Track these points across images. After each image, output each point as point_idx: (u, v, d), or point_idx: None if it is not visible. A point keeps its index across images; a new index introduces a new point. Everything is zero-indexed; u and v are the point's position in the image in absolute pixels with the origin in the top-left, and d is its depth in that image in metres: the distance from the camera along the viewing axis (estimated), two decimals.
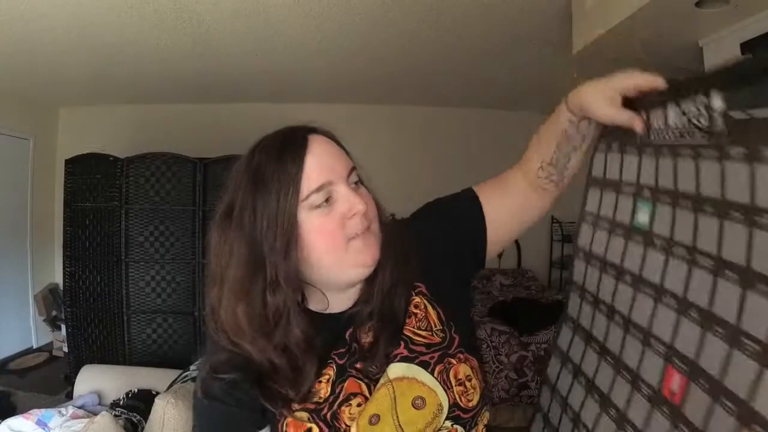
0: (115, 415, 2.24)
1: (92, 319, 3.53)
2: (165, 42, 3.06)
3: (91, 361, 3.09)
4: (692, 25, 2.13)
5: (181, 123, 4.61)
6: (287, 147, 0.69)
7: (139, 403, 2.38)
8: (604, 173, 0.60)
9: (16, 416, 2.13)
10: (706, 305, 0.48)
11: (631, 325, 0.54)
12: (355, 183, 0.72)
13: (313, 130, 0.73)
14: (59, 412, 2.21)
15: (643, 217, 0.55)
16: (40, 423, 2.09)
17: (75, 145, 4.04)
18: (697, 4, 1.89)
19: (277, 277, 0.65)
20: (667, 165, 0.53)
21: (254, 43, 3.09)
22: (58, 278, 4.48)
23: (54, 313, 4.46)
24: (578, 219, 0.63)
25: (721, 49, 2.19)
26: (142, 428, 2.24)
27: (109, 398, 2.54)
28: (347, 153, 0.74)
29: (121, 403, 2.42)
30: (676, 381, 0.49)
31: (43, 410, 2.18)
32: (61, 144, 4.86)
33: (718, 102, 0.46)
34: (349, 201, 0.68)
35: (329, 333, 0.71)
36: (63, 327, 3.97)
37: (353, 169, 0.72)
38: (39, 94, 4.40)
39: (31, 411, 2.16)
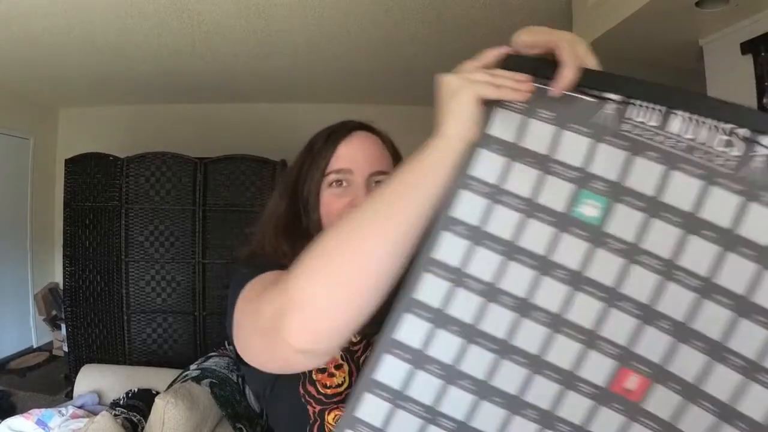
0: (115, 415, 2.24)
1: (92, 319, 3.53)
2: (165, 42, 3.06)
3: (91, 361, 3.09)
4: (692, 25, 2.13)
5: (181, 123, 4.61)
6: (335, 132, 0.81)
7: (139, 403, 2.38)
8: (519, 138, 0.51)
9: (16, 416, 2.13)
10: (681, 318, 0.48)
11: (565, 325, 0.50)
12: (376, 183, 0.78)
13: (365, 127, 0.84)
14: (59, 411, 2.21)
15: (591, 211, 0.50)
16: (40, 423, 2.09)
17: (75, 145, 4.05)
18: (697, 4, 1.89)
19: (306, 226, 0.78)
20: (650, 169, 0.48)
21: (254, 43, 3.10)
22: (58, 278, 4.48)
23: (54, 312, 4.46)
24: (452, 182, 0.51)
25: (721, 49, 2.19)
26: (142, 428, 2.24)
27: (109, 398, 2.54)
28: (394, 159, 0.83)
29: (121, 402, 2.42)
30: (632, 380, 0.49)
31: (43, 410, 2.18)
32: (61, 144, 4.86)
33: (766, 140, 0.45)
34: (355, 192, 0.76)
35: None
36: (63, 326, 3.97)
37: (382, 172, 0.78)
38: (39, 93, 4.41)
39: (31, 411, 2.16)
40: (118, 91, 4.28)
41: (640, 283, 0.49)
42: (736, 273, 0.46)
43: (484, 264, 0.51)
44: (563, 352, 0.51)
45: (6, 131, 4.26)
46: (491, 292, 0.51)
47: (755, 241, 0.46)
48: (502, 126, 0.52)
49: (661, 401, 0.49)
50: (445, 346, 0.51)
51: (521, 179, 0.51)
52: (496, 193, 0.51)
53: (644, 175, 0.49)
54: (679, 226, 0.48)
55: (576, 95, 0.51)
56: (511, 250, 0.51)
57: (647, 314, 0.49)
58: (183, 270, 3.48)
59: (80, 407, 2.38)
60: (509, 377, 0.51)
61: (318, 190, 0.78)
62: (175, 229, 3.46)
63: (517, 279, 0.51)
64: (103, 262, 3.49)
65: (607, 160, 0.50)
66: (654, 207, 0.48)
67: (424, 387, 0.52)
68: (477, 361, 0.51)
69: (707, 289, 0.47)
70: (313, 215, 0.78)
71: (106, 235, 3.48)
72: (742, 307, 0.46)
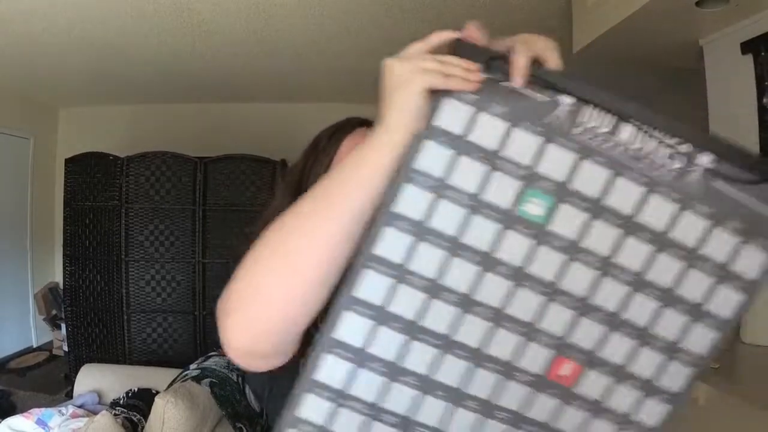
0: (115, 414, 2.24)
1: (92, 319, 3.53)
2: (165, 42, 3.06)
3: (91, 361, 3.09)
4: (692, 25, 2.13)
5: (181, 122, 4.61)
6: (340, 129, 0.79)
7: (139, 402, 2.38)
8: (467, 131, 0.50)
9: (16, 415, 2.13)
10: (613, 309, 0.52)
11: (506, 320, 0.52)
12: None
13: (369, 123, 0.80)
14: (59, 411, 2.21)
15: (536, 210, 0.51)
16: (40, 422, 2.09)
17: (75, 145, 4.05)
18: (697, 4, 1.89)
19: None
20: (596, 173, 0.51)
21: (254, 43, 3.10)
22: (58, 277, 4.48)
23: (54, 312, 4.46)
24: (396, 176, 0.49)
25: (721, 49, 2.19)
26: (142, 427, 2.25)
27: (109, 397, 2.54)
28: None
29: (121, 402, 2.42)
30: (567, 367, 0.53)
31: (43, 409, 2.18)
32: (61, 143, 4.86)
33: (705, 162, 0.50)
34: None
35: None
36: (63, 326, 3.97)
37: None
38: (39, 93, 4.41)
39: (31, 410, 2.16)
40: (118, 90, 4.28)
41: (578, 279, 0.52)
42: (666, 270, 0.52)
43: (428, 260, 0.51)
44: (504, 344, 0.52)
45: (6, 131, 4.26)
46: (434, 289, 0.51)
47: (685, 244, 0.51)
48: (451, 117, 0.50)
49: (592, 384, 0.53)
50: (388, 343, 0.52)
51: (468, 174, 0.50)
52: (441, 188, 0.51)
53: (590, 179, 0.51)
54: (619, 227, 0.51)
55: (530, 93, 0.50)
56: (454, 246, 0.51)
57: (583, 307, 0.52)
58: (183, 270, 3.49)
59: (80, 407, 2.39)
60: (451, 371, 0.53)
61: None
62: (175, 229, 3.47)
63: (460, 275, 0.51)
64: (103, 262, 3.49)
65: (556, 161, 0.51)
66: (597, 209, 0.51)
67: (367, 385, 0.52)
68: (419, 357, 0.52)
69: (639, 283, 0.52)
70: None
71: (106, 234, 3.48)
72: (668, 299, 0.52)
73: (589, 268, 0.52)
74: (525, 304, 0.52)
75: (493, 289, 0.52)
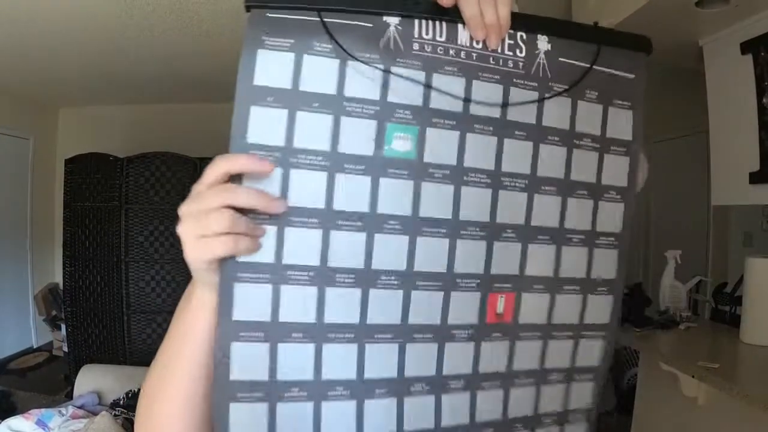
0: (115, 415, 2.24)
1: (92, 319, 3.53)
2: (164, 42, 3.06)
3: (91, 361, 3.09)
4: (692, 25, 2.13)
5: (181, 122, 4.61)
6: None
7: None
8: (296, 82, 0.43)
9: (16, 416, 2.13)
10: (522, 221, 0.49)
11: (418, 279, 0.46)
12: None
13: None
14: (59, 411, 2.21)
15: (404, 145, 0.44)
16: (40, 423, 2.09)
17: (75, 145, 4.05)
18: (697, 4, 1.89)
19: None
20: (451, 84, 0.46)
21: None
22: (58, 278, 4.48)
23: (54, 312, 4.46)
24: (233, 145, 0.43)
25: (721, 49, 2.19)
26: None
27: (109, 398, 2.54)
28: None
29: (121, 402, 2.42)
30: (501, 302, 0.49)
31: (43, 410, 2.18)
32: (61, 143, 4.86)
33: (544, 44, 0.48)
34: None
35: None
36: (63, 327, 3.97)
37: None
38: (39, 93, 4.41)
39: (31, 411, 2.16)
40: (118, 90, 4.28)
41: (474, 203, 0.47)
42: (552, 159, 0.49)
43: (305, 246, 0.43)
44: (425, 307, 0.46)
45: (6, 131, 4.26)
46: (322, 277, 0.44)
47: (559, 128, 0.49)
48: (271, 70, 0.42)
49: (532, 308, 0.50)
50: (296, 360, 0.44)
51: (312, 130, 0.43)
52: (286, 155, 0.42)
53: (447, 92, 0.45)
54: (492, 134, 0.47)
55: (350, 22, 0.44)
56: (328, 219, 0.43)
57: (491, 231, 0.48)
58: (183, 270, 3.44)
59: (80, 407, 2.38)
60: (379, 361, 0.46)
61: None
62: (174, 229, 3.45)
63: (347, 250, 0.44)
64: (103, 262, 3.49)
65: (406, 86, 0.45)
66: (465, 122, 0.46)
67: (290, 415, 0.45)
68: (338, 361, 0.45)
69: (533, 183, 0.49)
70: None
71: (105, 235, 3.48)
72: (564, 186, 0.50)
73: (481, 187, 0.47)
74: (432, 254, 0.46)
75: (390, 251, 0.45)
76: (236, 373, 0.43)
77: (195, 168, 3.47)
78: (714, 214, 2.98)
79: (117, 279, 3.47)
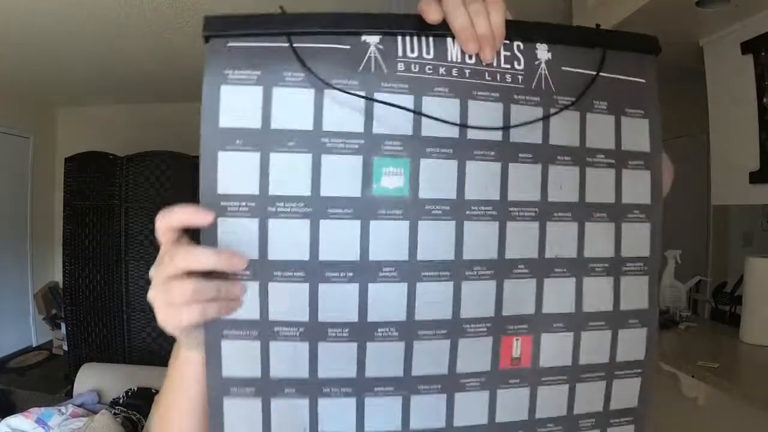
0: (115, 414, 2.24)
1: (92, 318, 3.53)
2: (165, 41, 3.05)
3: (91, 360, 3.09)
4: (692, 25, 2.13)
5: (180, 121, 4.60)
6: None
7: (138, 402, 2.38)
8: (266, 120, 0.39)
9: (16, 414, 2.13)
10: (535, 255, 0.44)
11: (420, 328, 0.42)
12: None
13: None
14: (59, 410, 2.21)
15: (394, 181, 0.40)
16: (40, 421, 2.09)
17: (75, 144, 4.04)
18: (698, 4, 1.89)
19: None
20: (444, 107, 0.41)
21: None
22: (58, 276, 4.48)
23: (54, 311, 4.46)
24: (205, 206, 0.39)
25: (721, 49, 2.19)
26: (142, 426, 2.25)
27: (109, 396, 2.54)
28: None
29: (121, 401, 2.42)
30: (516, 346, 0.44)
31: (42, 408, 2.18)
32: (61, 142, 4.85)
33: (544, 53, 0.44)
34: None
35: None
36: (63, 325, 3.97)
37: None
38: (39, 92, 4.40)
39: (30, 409, 2.16)
40: (118, 90, 4.28)
41: (479, 240, 0.42)
42: (564, 181, 0.44)
43: (289, 300, 0.40)
44: (429, 357, 0.42)
45: (6, 130, 4.26)
46: (315, 333, 0.40)
47: (568, 145, 0.44)
48: (237, 109, 0.39)
49: (552, 350, 0.45)
50: (291, 417, 0.41)
51: (289, 174, 0.39)
52: (261, 204, 0.39)
53: (440, 116, 0.41)
54: (495, 160, 0.42)
55: (325, 46, 0.39)
56: (314, 274, 0.40)
57: (500, 269, 0.43)
58: None
59: (80, 406, 2.38)
60: (380, 417, 0.42)
61: None
62: None
63: (339, 302, 0.40)
64: (103, 261, 3.49)
65: (393, 113, 0.40)
66: (463, 148, 0.41)
67: None
68: (336, 417, 0.42)
69: (545, 210, 0.43)
70: None
71: (105, 233, 3.48)
72: (579, 209, 0.44)
73: (486, 220, 0.42)
74: (434, 300, 0.42)
75: (387, 301, 0.41)
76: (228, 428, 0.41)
77: (195, 168, 3.46)
78: (714, 213, 2.97)
79: (117, 278, 3.47)
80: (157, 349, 3.48)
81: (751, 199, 2.12)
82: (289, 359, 0.40)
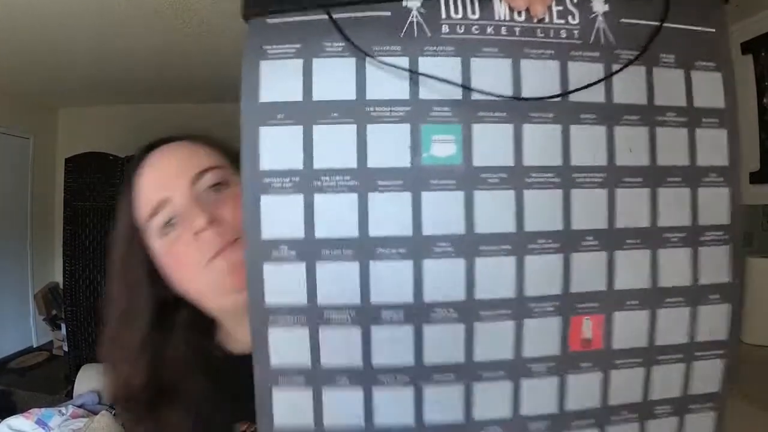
0: (115, 414, 2.24)
1: (92, 318, 3.53)
2: (164, 42, 3.05)
3: (91, 361, 3.08)
4: None
5: (180, 122, 4.60)
6: (130, 169, 0.62)
7: None
8: (307, 91, 0.36)
9: (16, 415, 2.13)
10: (603, 225, 0.40)
11: (482, 309, 0.38)
12: (214, 186, 0.58)
13: (168, 140, 0.66)
14: (59, 411, 2.21)
15: (445, 149, 0.37)
16: (40, 422, 2.09)
17: (75, 144, 4.04)
18: None
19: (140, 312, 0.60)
20: (494, 69, 0.37)
21: None
22: (58, 277, 4.47)
23: (54, 312, 4.45)
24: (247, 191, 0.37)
25: None
26: None
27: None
28: (224, 151, 0.64)
29: None
30: (587, 326, 0.40)
31: (42, 409, 2.18)
32: (61, 143, 4.85)
33: (600, 5, 0.40)
34: (187, 216, 0.55)
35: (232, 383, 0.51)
36: (63, 326, 3.96)
37: (209, 169, 0.59)
38: (39, 92, 4.40)
39: (30, 410, 2.16)
40: (118, 90, 4.28)
41: (544, 209, 0.39)
42: (632, 143, 0.40)
43: (338, 280, 0.37)
44: (493, 341, 0.39)
45: (6, 131, 4.26)
46: (366, 315, 0.37)
47: (635, 104, 0.40)
48: (278, 83, 0.37)
49: (626, 330, 0.41)
50: (342, 409, 0.39)
51: (334, 146, 0.37)
52: (306, 180, 0.36)
53: (491, 78, 0.38)
54: (554, 122, 0.39)
55: (364, 14, 0.37)
56: (364, 248, 0.37)
57: (567, 241, 0.39)
58: None
59: (80, 406, 2.38)
60: (442, 407, 0.39)
61: (144, 257, 0.59)
62: None
63: (391, 281, 0.37)
64: (103, 262, 3.48)
65: (440, 77, 0.37)
66: (517, 111, 0.38)
67: None
68: (391, 410, 0.39)
69: (613, 176, 0.40)
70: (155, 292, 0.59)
71: (106, 234, 3.47)
72: (653, 177, 0.40)
73: (548, 188, 0.39)
74: (495, 276, 0.38)
75: (443, 279, 0.38)
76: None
77: None
78: None
79: None
80: None
81: (751, 199, 2.12)
82: (340, 345, 0.38)
